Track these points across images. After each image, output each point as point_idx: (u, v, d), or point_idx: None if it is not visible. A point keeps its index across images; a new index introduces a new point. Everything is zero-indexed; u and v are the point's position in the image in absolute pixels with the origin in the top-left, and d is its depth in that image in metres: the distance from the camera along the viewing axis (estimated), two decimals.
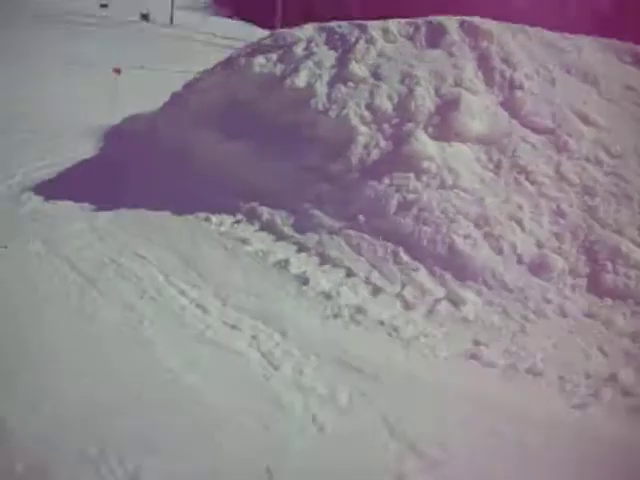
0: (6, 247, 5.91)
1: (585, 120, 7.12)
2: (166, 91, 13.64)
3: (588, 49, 8.48)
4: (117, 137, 11.36)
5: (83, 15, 50.97)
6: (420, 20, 8.73)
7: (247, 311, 4.96)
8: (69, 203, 7.36)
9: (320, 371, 4.18)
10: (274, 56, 8.48)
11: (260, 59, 8.46)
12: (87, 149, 10.61)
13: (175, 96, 10.00)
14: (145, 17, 68.75)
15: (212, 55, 29.32)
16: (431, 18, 8.79)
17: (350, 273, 5.60)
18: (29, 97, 18.71)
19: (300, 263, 5.80)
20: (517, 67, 7.70)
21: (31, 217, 6.94)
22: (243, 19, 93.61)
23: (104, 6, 76.81)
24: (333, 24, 9.16)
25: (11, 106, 16.79)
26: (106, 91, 18.06)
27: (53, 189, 8.03)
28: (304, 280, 5.48)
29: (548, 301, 5.12)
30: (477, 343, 4.64)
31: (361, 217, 6.17)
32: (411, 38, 8.46)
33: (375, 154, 6.85)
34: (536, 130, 7.00)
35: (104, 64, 22.87)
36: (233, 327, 4.71)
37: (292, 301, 5.20)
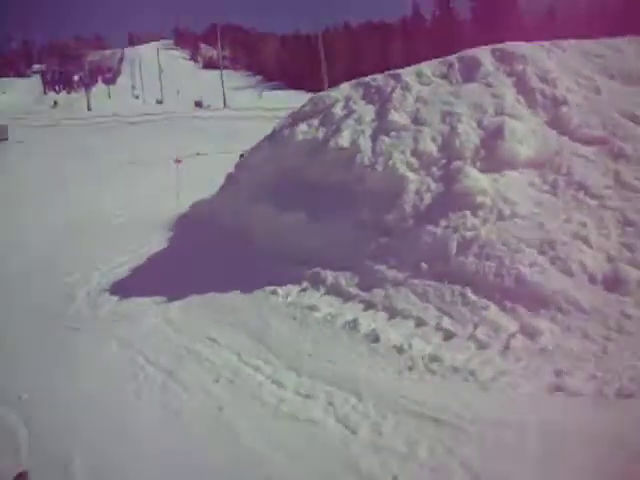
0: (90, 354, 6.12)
1: (638, 121, 6.90)
2: (224, 174, 14.07)
3: (627, 49, 8.28)
4: (184, 226, 11.72)
5: (137, 114, 53.60)
6: (451, 57, 8.76)
7: (321, 378, 4.94)
8: (144, 299, 7.57)
9: (398, 428, 4.11)
10: (315, 121, 8.63)
11: (302, 127, 8.62)
12: (158, 242, 10.98)
13: (229, 177, 10.27)
14: (199, 104, 71.71)
15: (264, 129, 30.27)
16: (462, 53, 8.80)
17: (420, 322, 5.51)
18: (97, 198, 19.68)
19: (369, 321, 5.76)
20: (557, 83, 7.58)
21: (110, 319, 7.17)
22: (294, 88, 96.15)
23: (159, 102, 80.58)
24: (368, 78, 9.28)
25: (84, 206, 17.69)
26: (169, 182, 18.80)
27: (128, 287, 8.31)
28: (374, 338, 5.43)
29: (628, 316, 4.87)
30: (559, 373, 4.45)
31: (423, 264, 6.10)
32: (445, 76, 8.48)
33: (427, 198, 6.80)
34: (587, 142, 6.82)
35: (164, 157, 23.93)
36: (308, 397, 4.71)
37: (364, 361, 5.14)
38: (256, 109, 48.01)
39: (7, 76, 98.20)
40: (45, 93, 78.21)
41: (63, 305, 8.12)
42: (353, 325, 5.74)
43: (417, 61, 9.36)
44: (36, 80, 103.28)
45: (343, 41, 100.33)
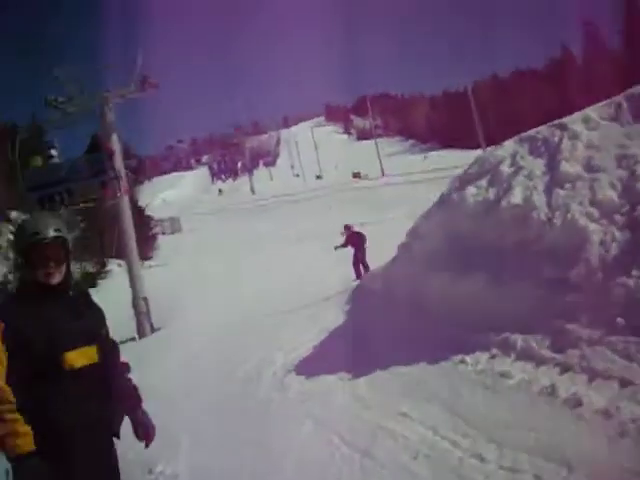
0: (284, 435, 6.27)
1: None
2: (392, 240, 14.19)
3: None
4: (359, 297, 11.88)
5: (299, 192, 55.67)
6: (618, 97, 8.39)
7: (524, 449, 4.71)
8: (329, 377, 7.68)
9: None
10: (484, 182, 8.52)
11: (471, 189, 8.54)
12: (335, 315, 11.20)
13: (402, 246, 10.32)
14: (357, 175, 73.50)
15: (424, 192, 30.34)
16: (630, 91, 8.42)
17: (625, 383, 5.14)
18: (269, 278, 20.44)
19: (567, 385, 5.46)
20: None
21: (299, 399, 7.33)
22: (448, 147, 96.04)
23: (319, 178, 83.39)
24: (532, 132, 9.09)
25: (259, 287, 18.43)
26: (338, 255, 19.22)
27: (311, 365, 8.49)
28: (576, 402, 5.13)
29: None
30: None
31: (619, 319, 5.73)
32: (614, 118, 8.11)
33: (614, 248, 6.44)
34: None
35: (330, 231, 24.58)
36: (514, 470, 4.49)
37: (569, 428, 4.86)
38: (412, 174, 48.38)
39: (177, 171, 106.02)
40: (213, 183, 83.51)
41: (251, 389, 8.43)
42: (551, 390, 5.47)
43: (573, 104, 9.05)
44: (201, 171, 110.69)
45: (493, 92, 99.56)
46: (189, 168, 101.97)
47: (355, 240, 17.64)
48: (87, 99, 20.35)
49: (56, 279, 3.30)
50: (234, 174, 78.62)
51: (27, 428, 2.99)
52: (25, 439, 2.99)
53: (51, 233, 3.28)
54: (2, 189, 30.69)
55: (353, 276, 16.53)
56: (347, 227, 18.52)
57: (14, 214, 37.40)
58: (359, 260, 17.06)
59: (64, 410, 3.15)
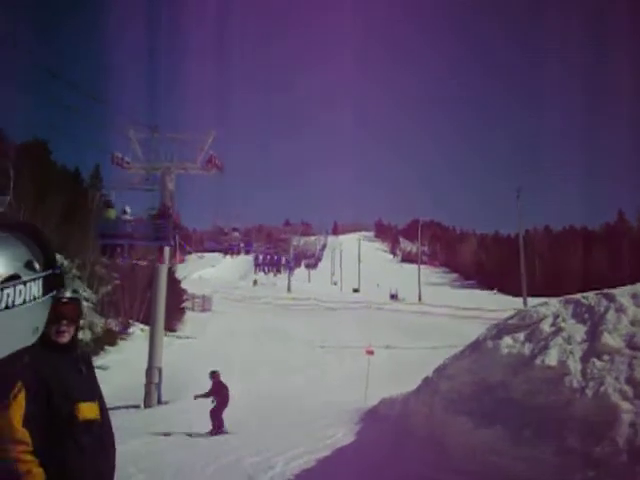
0: None
1: None
2: (413, 370, 14.02)
3: None
4: (372, 421, 11.66)
5: (334, 300, 55.64)
6: None
7: None
8: None
9: None
10: (521, 336, 8.45)
11: (507, 340, 8.47)
12: (344, 434, 10.97)
13: (426, 381, 10.18)
14: (394, 297, 73.37)
15: (456, 328, 30.08)
16: None
17: None
18: (287, 379, 20.23)
19: None
20: None
21: None
22: (489, 288, 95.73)
23: (356, 291, 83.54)
24: (578, 296, 9.07)
25: (274, 386, 18.22)
26: (357, 372, 19.03)
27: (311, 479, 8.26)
28: None
29: None
30: None
31: None
32: None
33: None
34: None
35: (355, 345, 24.42)
36: None
37: None
38: (450, 307, 48.12)
39: (219, 251, 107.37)
40: (255, 273, 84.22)
41: None
42: None
43: (622, 273, 9.03)
44: (243, 258, 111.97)
45: (543, 244, 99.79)
46: (237, 253, 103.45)
47: (219, 389, 15.71)
48: (152, 165, 21.19)
49: (66, 338, 3.45)
50: (277, 269, 79.32)
51: (41, 470, 3.08)
52: None
53: (68, 294, 3.44)
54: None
55: (210, 427, 14.66)
56: (214, 374, 16.09)
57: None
58: (220, 411, 14.97)
59: (76, 458, 3.25)
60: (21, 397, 3.16)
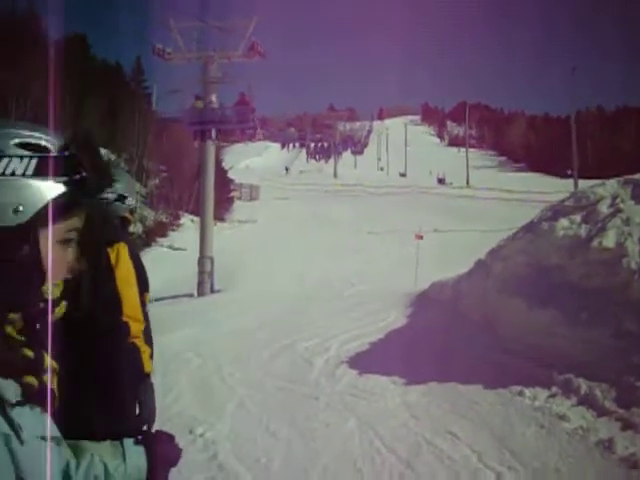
0: (327, 426, 6.23)
1: None
2: (463, 253, 13.94)
3: None
4: (423, 304, 11.72)
5: (381, 186, 55.39)
6: None
7: None
8: (382, 377, 7.59)
9: None
10: (578, 217, 8.24)
11: (563, 222, 8.27)
12: (395, 317, 11.08)
13: (479, 263, 10.12)
14: (442, 181, 72.70)
15: (506, 212, 29.73)
16: None
17: None
18: (335, 265, 20.43)
19: (627, 443, 5.23)
20: None
21: (348, 392, 7.27)
22: (539, 171, 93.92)
23: (403, 176, 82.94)
24: (638, 176, 8.75)
25: (322, 273, 18.45)
26: (407, 257, 19.07)
27: (366, 362, 8.40)
28: (633, 463, 4.91)
29: None
30: None
31: None
32: None
33: None
34: None
35: (404, 231, 24.41)
36: None
37: None
38: (499, 190, 47.51)
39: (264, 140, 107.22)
40: (307, 161, 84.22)
41: (302, 370, 8.41)
42: (608, 445, 5.25)
43: None
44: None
45: (595, 125, 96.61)
46: (294, 147, 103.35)
47: None
48: (194, 55, 20.95)
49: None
50: (327, 156, 78.93)
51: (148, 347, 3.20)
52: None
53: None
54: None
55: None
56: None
57: (102, 152, 38.52)
58: None
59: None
60: (126, 255, 3.09)
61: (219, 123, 20.76)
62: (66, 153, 1.15)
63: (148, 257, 23.63)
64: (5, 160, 1.09)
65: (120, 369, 2.91)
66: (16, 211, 1.12)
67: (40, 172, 1.12)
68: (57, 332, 1.17)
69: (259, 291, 16.83)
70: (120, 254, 3.02)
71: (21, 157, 1.10)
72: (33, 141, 1.11)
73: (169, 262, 23.50)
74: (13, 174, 1.10)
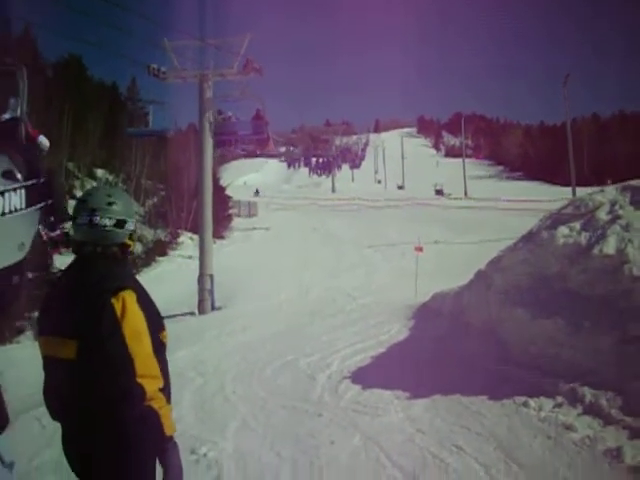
0: (332, 443, 6.18)
1: None
2: (463, 264, 13.89)
3: None
4: (424, 316, 11.67)
5: (379, 199, 55.46)
6: None
7: None
8: (385, 392, 7.53)
9: None
10: (577, 225, 8.21)
11: (563, 230, 8.23)
12: (397, 330, 11.03)
13: (479, 274, 10.07)
14: (439, 192, 72.77)
15: (506, 222, 29.73)
16: None
17: None
18: (334, 280, 20.39)
19: (635, 451, 5.18)
20: None
21: (351, 408, 7.22)
22: (536, 179, 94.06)
23: (400, 188, 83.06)
24: (636, 182, 8.73)
25: (322, 287, 18.39)
26: (407, 269, 19.00)
27: (368, 376, 8.35)
28: None
29: None
30: None
31: None
32: None
33: None
34: None
35: (403, 243, 24.38)
36: None
37: None
38: (497, 200, 47.53)
39: (261, 157, 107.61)
40: (310, 176, 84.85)
41: (304, 387, 8.35)
42: (616, 454, 5.21)
43: None
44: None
45: (590, 132, 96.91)
46: (298, 166, 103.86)
47: None
48: (189, 74, 21.15)
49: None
50: (329, 171, 79.16)
51: (170, 406, 2.92)
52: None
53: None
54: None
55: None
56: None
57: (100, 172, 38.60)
58: None
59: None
60: (141, 320, 2.82)
61: (236, 134, 23.89)
62: (42, 180, 1.12)
63: (148, 277, 23.60)
64: (3, 196, 1.04)
65: (132, 448, 2.72)
66: (21, 247, 1.08)
67: (30, 201, 1.09)
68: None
69: (260, 308, 16.76)
70: (127, 304, 2.78)
71: (14, 189, 1.06)
72: (6, 167, 1.07)
73: (169, 281, 23.44)
74: (15, 210, 1.05)
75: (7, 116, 6.92)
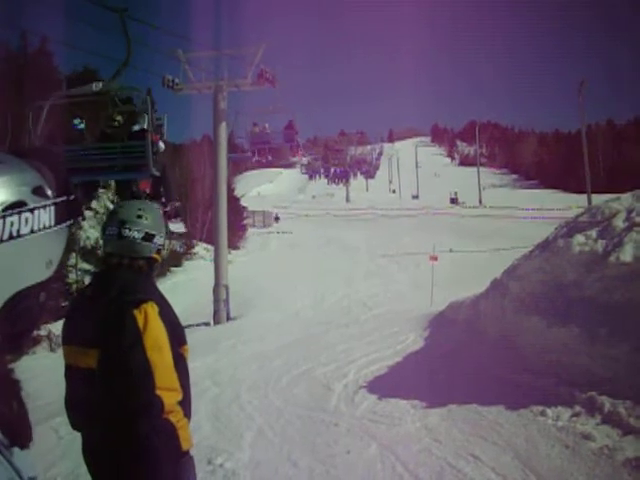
0: (348, 452, 6.16)
1: None
2: (478, 273, 13.84)
3: None
4: (440, 325, 11.64)
5: (393, 208, 55.36)
6: None
7: None
8: (401, 401, 7.51)
9: None
10: (593, 233, 8.16)
11: (579, 238, 8.19)
12: (413, 339, 11.00)
13: (495, 283, 10.04)
14: (454, 201, 72.52)
15: (520, 230, 29.61)
16: None
17: None
18: (350, 288, 20.38)
19: None
20: None
21: (368, 417, 7.19)
22: (551, 187, 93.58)
23: (415, 198, 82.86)
24: None
25: (337, 295, 18.39)
26: (422, 278, 18.97)
27: (385, 386, 8.32)
28: None
29: None
30: None
31: None
32: None
33: None
34: None
35: (418, 253, 24.32)
36: None
37: None
38: (512, 208, 47.31)
39: (276, 167, 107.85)
40: (328, 184, 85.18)
41: (320, 396, 8.33)
42: (636, 464, 5.14)
43: None
44: (299, 170, 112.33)
45: (606, 139, 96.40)
46: (287, 165, 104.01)
47: None
48: (203, 85, 21.20)
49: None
50: (346, 180, 79.46)
51: (186, 420, 2.92)
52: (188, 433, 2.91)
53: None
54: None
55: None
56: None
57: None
58: None
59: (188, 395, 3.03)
60: (163, 334, 2.81)
61: (270, 143, 26.91)
62: (71, 197, 1.13)
63: (162, 287, 23.63)
64: (30, 214, 1.03)
65: (148, 460, 2.71)
66: (49, 265, 1.09)
67: (61, 219, 1.09)
68: None
69: (275, 318, 16.77)
70: (149, 316, 2.78)
71: (44, 207, 1.06)
72: (37, 183, 1.07)
73: (184, 291, 23.49)
74: (44, 228, 1.06)
75: (137, 127, 12.04)
